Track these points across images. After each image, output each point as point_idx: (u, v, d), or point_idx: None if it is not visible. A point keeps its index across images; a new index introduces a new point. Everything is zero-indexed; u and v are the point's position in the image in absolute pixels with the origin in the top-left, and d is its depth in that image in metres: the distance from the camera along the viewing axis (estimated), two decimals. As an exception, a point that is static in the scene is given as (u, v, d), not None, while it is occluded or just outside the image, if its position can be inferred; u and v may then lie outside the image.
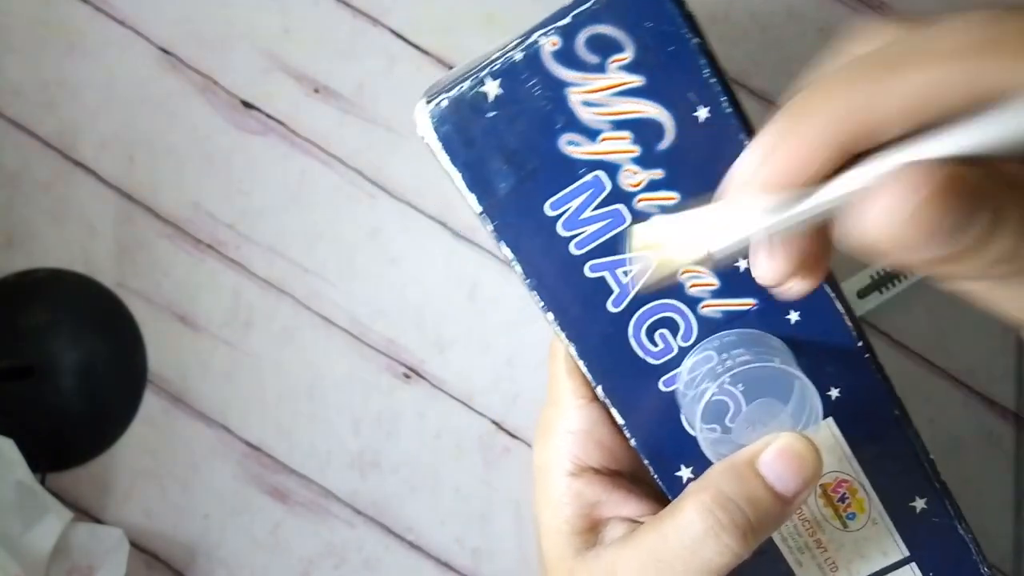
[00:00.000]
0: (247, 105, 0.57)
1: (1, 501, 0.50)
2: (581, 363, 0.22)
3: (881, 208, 0.13)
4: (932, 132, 0.14)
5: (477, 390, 0.56)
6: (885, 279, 0.53)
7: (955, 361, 0.54)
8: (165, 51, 0.57)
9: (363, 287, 0.56)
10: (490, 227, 0.21)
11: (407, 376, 0.56)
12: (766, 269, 0.17)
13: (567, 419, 0.23)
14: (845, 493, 0.23)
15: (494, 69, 0.20)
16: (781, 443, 0.20)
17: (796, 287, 0.17)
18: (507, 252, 0.21)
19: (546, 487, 0.23)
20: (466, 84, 0.20)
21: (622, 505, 0.24)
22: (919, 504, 0.23)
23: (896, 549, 0.23)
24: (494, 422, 0.56)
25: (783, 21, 0.55)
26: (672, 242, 0.17)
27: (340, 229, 0.56)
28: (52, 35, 0.57)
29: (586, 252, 0.21)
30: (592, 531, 0.24)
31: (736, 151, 0.20)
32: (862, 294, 0.53)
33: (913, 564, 0.24)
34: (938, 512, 0.23)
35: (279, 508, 0.56)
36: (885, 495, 0.23)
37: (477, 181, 0.20)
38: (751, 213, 0.15)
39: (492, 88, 0.20)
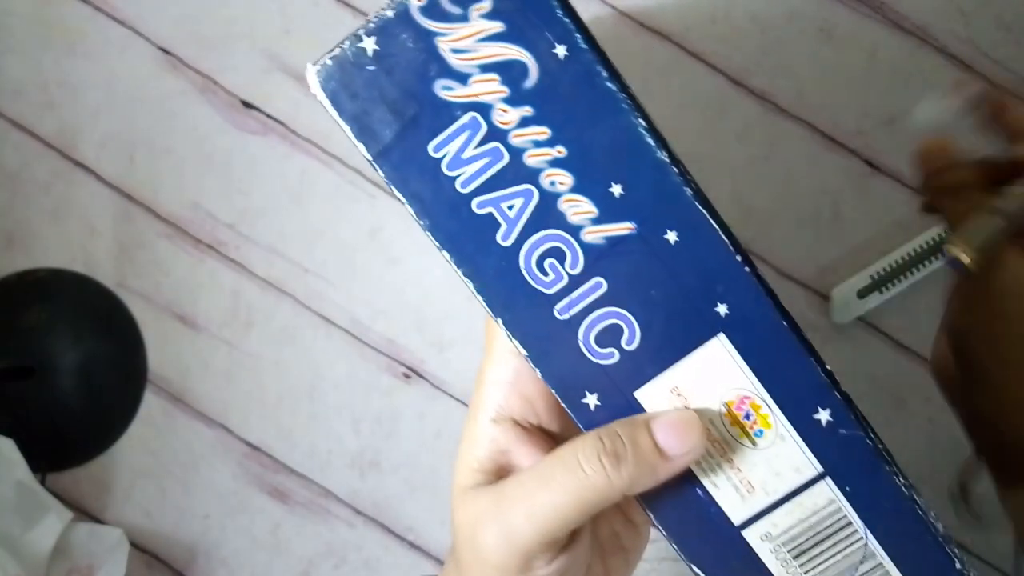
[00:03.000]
0: (247, 105, 0.57)
1: (1, 501, 0.50)
2: (480, 298, 0.23)
3: None
4: None
5: (477, 390, 0.56)
6: (885, 279, 0.53)
7: (955, 361, 0.54)
8: (165, 51, 0.57)
9: (363, 287, 0.56)
10: (381, 173, 0.23)
11: (407, 376, 0.56)
12: None
13: (496, 369, 0.25)
14: (748, 410, 0.23)
15: (369, 28, 0.22)
16: (676, 415, 0.23)
17: None
18: (399, 196, 0.23)
19: (469, 428, 0.25)
20: (346, 43, 0.22)
21: (532, 458, 0.25)
22: (823, 416, 0.23)
23: (808, 464, 0.24)
24: (494, 422, 0.56)
25: (783, 22, 0.55)
26: None
27: (340, 229, 0.56)
28: (52, 35, 0.57)
29: (472, 190, 0.22)
30: (498, 475, 0.25)
31: (594, 83, 0.22)
32: (862, 294, 0.53)
33: (828, 479, 0.24)
34: (844, 423, 0.23)
35: (279, 508, 0.56)
36: (788, 409, 0.23)
37: (364, 131, 0.22)
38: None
39: (369, 44, 0.22)
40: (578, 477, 0.22)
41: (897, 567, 0.24)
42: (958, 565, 0.24)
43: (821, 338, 0.55)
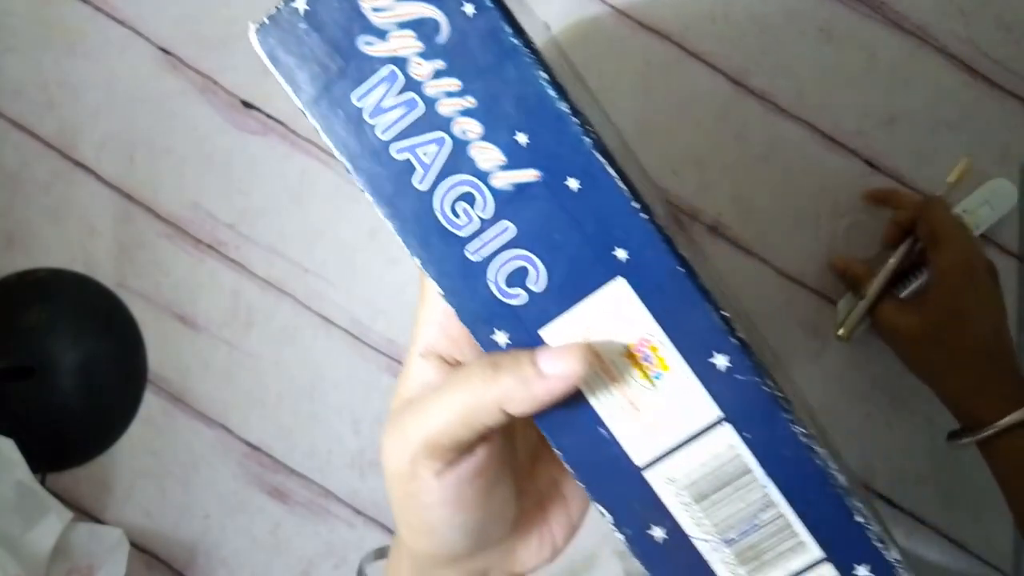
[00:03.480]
0: (247, 105, 0.57)
1: (1, 501, 0.50)
2: (399, 238, 0.25)
3: None
4: None
5: (477, 390, 0.56)
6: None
7: (955, 361, 0.54)
8: (165, 51, 0.57)
9: (363, 287, 0.56)
10: (312, 121, 0.24)
11: (407, 376, 0.56)
12: None
13: (426, 310, 0.27)
14: (648, 352, 0.24)
15: None
16: (562, 344, 0.25)
17: None
18: (328, 142, 0.24)
19: (404, 364, 0.28)
20: (282, 4, 0.24)
21: None
22: (720, 361, 0.24)
23: (707, 408, 0.24)
24: (494, 422, 0.56)
25: (782, 21, 0.55)
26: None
27: (340, 229, 0.56)
28: (53, 35, 0.57)
29: (391, 137, 0.24)
30: None
31: (499, 39, 0.23)
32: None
33: (727, 424, 0.24)
34: (740, 369, 0.24)
35: (279, 508, 0.56)
36: (685, 351, 0.24)
37: (297, 83, 0.24)
38: None
39: (301, 5, 0.24)
40: (460, 385, 0.24)
41: (798, 516, 0.25)
42: (857, 517, 0.24)
43: (822, 339, 0.55)
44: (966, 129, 0.55)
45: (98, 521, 0.56)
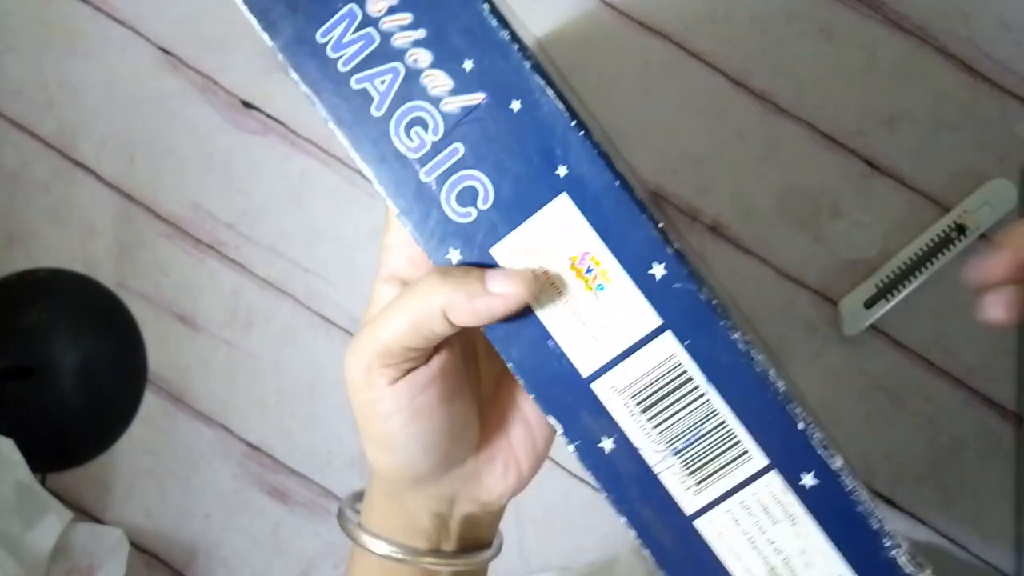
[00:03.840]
0: (247, 105, 0.57)
1: (1, 501, 0.50)
2: (360, 163, 0.27)
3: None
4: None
5: (477, 390, 0.56)
6: (890, 286, 0.53)
7: (955, 361, 0.54)
8: (165, 51, 0.57)
9: (363, 287, 0.56)
10: (280, 57, 0.26)
11: (407, 376, 0.56)
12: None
13: (389, 235, 0.29)
14: (590, 264, 0.26)
15: None
16: (515, 269, 0.26)
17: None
18: (294, 76, 0.27)
19: (372, 290, 0.29)
20: None
21: None
22: (658, 271, 0.25)
23: (648, 317, 0.26)
24: (494, 422, 0.56)
25: (782, 22, 0.55)
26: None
27: (340, 229, 0.56)
28: (52, 35, 0.57)
29: (350, 68, 0.26)
30: None
31: None
32: (869, 304, 0.53)
33: (668, 332, 0.26)
34: (677, 277, 0.25)
35: (279, 508, 0.56)
36: (625, 263, 0.26)
37: (268, 23, 0.26)
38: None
39: None
40: (409, 294, 0.26)
41: (742, 425, 0.25)
42: (799, 424, 0.25)
43: (822, 339, 0.55)
44: (966, 129, 0.55)
45: (98, 521, 0.56)
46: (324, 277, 0.56)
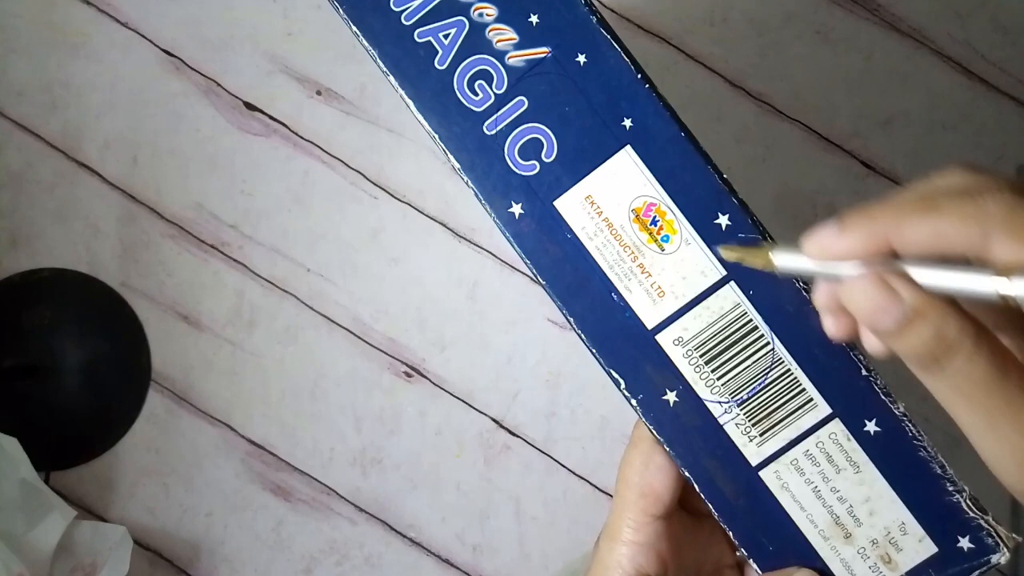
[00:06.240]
0: (250, 107, 0.57)
1: (5, 499, 0.50)
2: (419, 117, 0.26)
3: (851, 285, 0.21)
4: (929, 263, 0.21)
5: (477, 388, 0.56)
6: None
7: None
8: (169, 53, 0.57)
9: (365, 287, 0.57)
10: (340, 12, 0.26)
11: (408, 375, 0.56)
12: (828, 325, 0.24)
13: (633, 530, 0.27)
14: (655, 216, 0.26)
15: None
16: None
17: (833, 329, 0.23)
18: (355, 30, 0.26)
19: (602, 548, 0.27)
20: None
21: None
22: (723, 221, 0.26)
23: (713, 268, 0.25)
24: (494, 420, 0.56)
25: (780, 24, 0.56)
26: (753, 258, 0.24)
27: (342, 230, 0.57)
28: (56, 37, 0.57)
29: (414, 22, 0.26)
30: None
31: None
32: None
33: (732, 283, 0.25)
34: (742, 227, 0.25)
35: (282, 505, 0.56)
36: (690, 214, 0.26)
37: None
38: (804, 260, 0.22)
39: None
40: None
41: (805, 373, 0.25)
42: (863, 371, 0.25)
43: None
44: (962, 130, 0.55)
45: (101, 519, 0.56)
46: (326, 277, 0.57)
